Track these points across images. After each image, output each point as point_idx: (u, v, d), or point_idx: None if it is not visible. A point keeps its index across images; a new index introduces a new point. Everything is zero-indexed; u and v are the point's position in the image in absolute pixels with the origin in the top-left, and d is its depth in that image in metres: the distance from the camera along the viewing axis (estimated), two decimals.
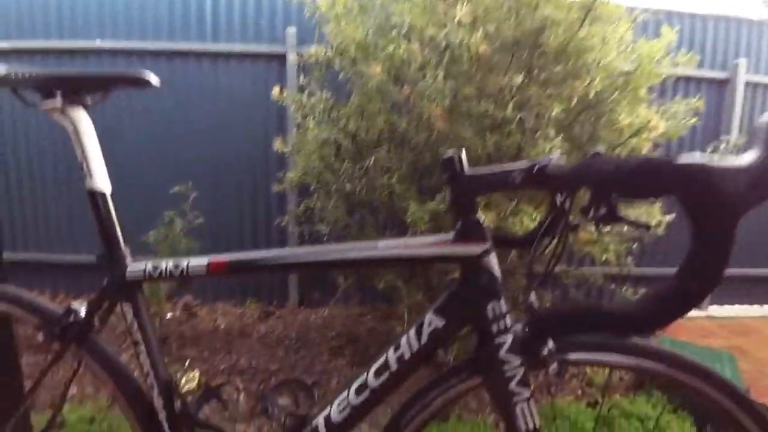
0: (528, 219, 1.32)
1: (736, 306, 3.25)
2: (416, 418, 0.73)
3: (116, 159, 2.65)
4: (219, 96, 2.72)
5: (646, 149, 1.53)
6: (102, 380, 0.82)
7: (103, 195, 0.77)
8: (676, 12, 2.90)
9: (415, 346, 0.69)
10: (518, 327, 0.69)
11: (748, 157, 0.46)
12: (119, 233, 0.78)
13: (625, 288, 2.06)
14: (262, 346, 2.32)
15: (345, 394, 0.73)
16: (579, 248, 1.68)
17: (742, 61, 2.92)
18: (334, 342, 2.38)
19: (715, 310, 3.20)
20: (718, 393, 0.67)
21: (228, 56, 2.71)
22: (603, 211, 0.67)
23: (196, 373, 1.96)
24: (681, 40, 2.61)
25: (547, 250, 0.73)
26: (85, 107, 0.77)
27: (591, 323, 0.48)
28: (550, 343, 0.66)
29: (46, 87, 0.74)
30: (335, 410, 0.73)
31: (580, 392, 2.00)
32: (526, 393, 0.67)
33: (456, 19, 1.38)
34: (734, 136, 2.71)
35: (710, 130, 2.91)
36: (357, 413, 0.72)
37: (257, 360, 2.17)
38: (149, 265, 0.76)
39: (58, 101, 0.73)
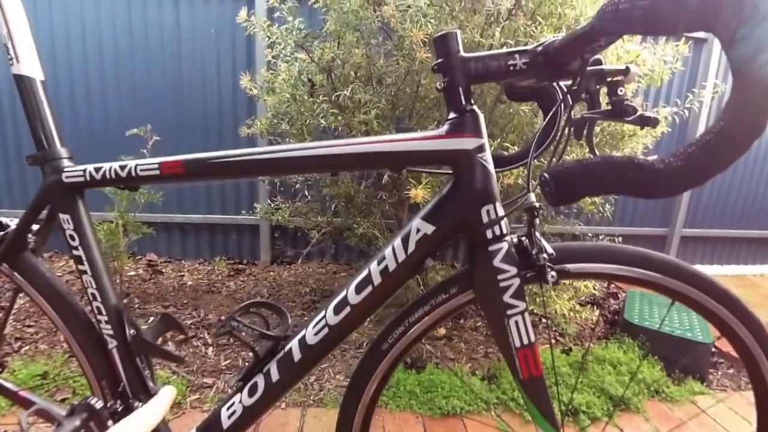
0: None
1: (698, 266, 3.36)
2: (402, 339, 0.66)
3: (67, 101, 2.49)
4: (181, 34, 2.50)
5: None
6: (40, 306, 0.72)
7: (33, 81, 0.65)
8: None
9: (401, 256, 0.62)
10: (513, 236, 0.63)
11: None
12: (54, 128, 0.66)
13: (601, 238, 2.06)
14: (232, 301, 2.23)
15: (322, 313, 0.66)
16: None
17: None
18: (307, 297, 2.31)
19: None
20: (719, 305, 0.64)
21: None
22: (607, 105, 0.61)
23: None
24: None
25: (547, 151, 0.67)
26: None
27: (611, 182, 0.41)
28: (548, 250, 0.61)
29: None
30: (311, 332, 0.66)
31: (554, 341, 2.01)
32: (522, 306, 0.61)
33: None
34: (710, 90, 2.72)
35: (686, 87, 2.91)
36: (335, 334, 0.65)
37: (226, 315, 2.07)
38: (91, 167, 0.65)
39: None
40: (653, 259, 0.64)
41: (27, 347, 1.74)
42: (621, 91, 0.60)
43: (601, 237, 2.10)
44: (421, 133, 0.60)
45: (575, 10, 1.29)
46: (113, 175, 0.64)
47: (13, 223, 0.69)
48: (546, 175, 0.46)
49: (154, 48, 2.50)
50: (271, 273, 2.65)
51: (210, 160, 0.62)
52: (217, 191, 2.71)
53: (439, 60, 0.59)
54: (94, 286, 0.69)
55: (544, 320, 2.08)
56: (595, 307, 2.33)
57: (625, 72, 0.59)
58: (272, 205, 2.07)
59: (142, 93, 2.54)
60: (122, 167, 0.64)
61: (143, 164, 0.63)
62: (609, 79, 0.60)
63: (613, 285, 2.73)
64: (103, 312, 0.70)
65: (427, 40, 1.26)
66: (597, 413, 1.49)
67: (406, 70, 1.44)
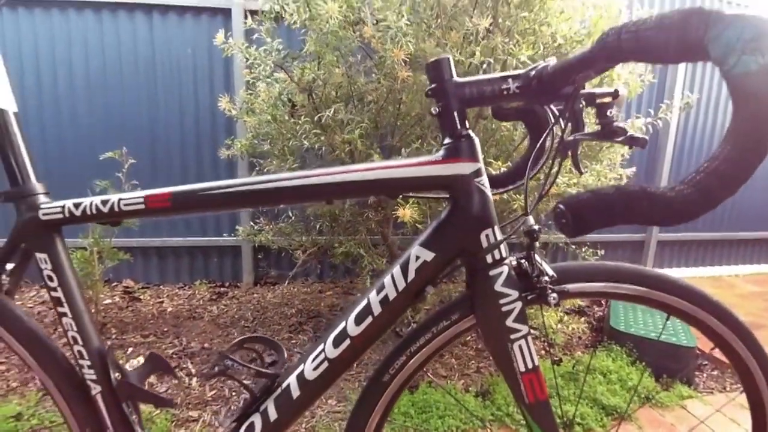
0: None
1: (674, 268, 3.45)
2: (404, 368, 0.64)
3: (37, 122, 2.40)
4: (156, 54, 2.45)
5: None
6: (17, 352, 0.67)
7: (5, 113, 0.61)
8: None
9: (401, 284, 0.60)
10: (513, 258, 0.63)
11: None
12: (28, 163, 0.63)
13: (585, 249, 2.09)
14: (215, 327, 2.16)
15: (321, 347, 0.63)
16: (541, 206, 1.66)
17: None
18: (294, 319, 2.26)
19: None
20: (711, 317, 0.65)
21: (165, 9, 2.43)
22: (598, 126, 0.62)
23: (141, 360, 1.78)
24: None
25: (540, 172, 0.67)
26: None
27: (626, 211, 0.41)
28: (549, 272, 0.60)
29: None
30: (309, 366, 0.63)
31: (543, 352, 2.01)
32: (524, 329, 0.60)
33: None
34: (677, 100, 2.81)
35: (655, 98, 3.01)
36: (335, 367, 0.63)
37: (210, 342, 2.01)
38: (70, 203, 0.61)
39: None
40: (647, 276, 0.64)
41: None
42: (611, 113, 0.61)
43: (584, 247, 2.13)
44: (416, 159, 0.60)
45: (551, 27, 1.31)
46: (94, 211, 0.61)
47: None
48: (562, 206, 0.46)
49: (127, 69, 2.44)
50: (255, 295, 2.59)
51: (200, 192, 0.60)
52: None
53: (433, 85, 0.59)
54: (75, 329, 0.65)
55: (533, 331, 2.08)
56: (579, 317, 2.34)
57: (615, 95, 0.60)
58: (255, 227, 2.03)
59: (116, 116, 2.47)
60: (104, 202, 0.61)
61: (127, 198, 0.61)
62: (599, 102, 0.60)
63: None
64: (86, 356, 0.66)
65: (407, 60, 1.27)
66: (591, 424, 1.49)
67: (387, 89, 1.44)
